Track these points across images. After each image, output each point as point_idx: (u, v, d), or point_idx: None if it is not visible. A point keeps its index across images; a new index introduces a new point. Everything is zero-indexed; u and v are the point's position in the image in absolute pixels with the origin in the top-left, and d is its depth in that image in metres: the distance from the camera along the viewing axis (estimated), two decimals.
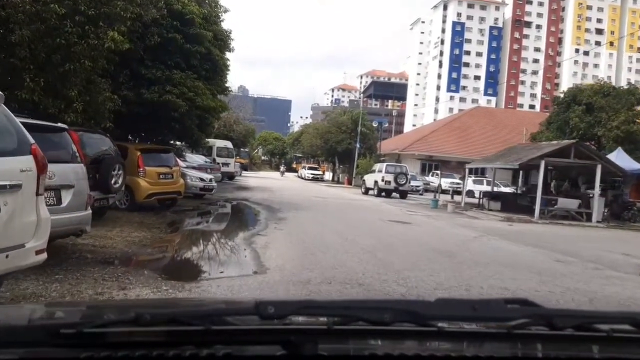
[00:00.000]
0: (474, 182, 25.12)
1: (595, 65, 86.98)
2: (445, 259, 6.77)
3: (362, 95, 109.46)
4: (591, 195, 15.84)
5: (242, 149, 38.76)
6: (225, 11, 13.23)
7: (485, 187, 21.98)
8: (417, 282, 5.12)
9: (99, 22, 7.45)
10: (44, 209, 3.20)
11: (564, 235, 11.57)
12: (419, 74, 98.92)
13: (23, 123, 3.92)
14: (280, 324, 0.79)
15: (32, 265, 3.21)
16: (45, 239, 3.19)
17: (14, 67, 6.95)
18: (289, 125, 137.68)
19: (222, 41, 12.82)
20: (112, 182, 7.04)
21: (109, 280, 4.30)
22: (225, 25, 13.35)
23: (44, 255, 3.21)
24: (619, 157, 16.60)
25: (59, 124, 5.07)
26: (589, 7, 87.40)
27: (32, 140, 3.16)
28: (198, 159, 17.60)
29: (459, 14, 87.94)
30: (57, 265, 4.58)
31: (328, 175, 41.24)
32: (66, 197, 4.58)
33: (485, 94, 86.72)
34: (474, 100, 79.49)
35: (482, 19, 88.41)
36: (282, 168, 49.05)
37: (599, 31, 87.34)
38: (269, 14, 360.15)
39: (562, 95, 27.14)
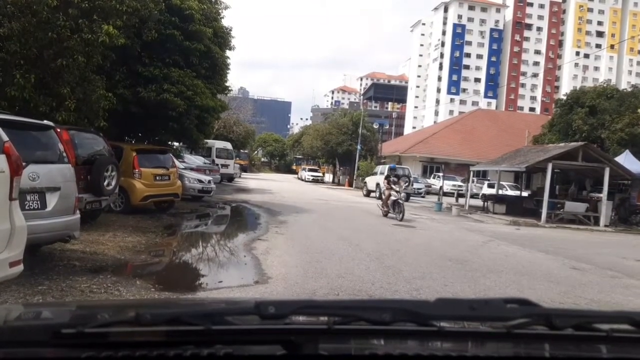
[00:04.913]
0: (488, 185, 24.65)
1: (596, 68, 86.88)
2: (457, 266, 6.42)
3: (362, 97, 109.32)
4: (596, 198, 15.53)
5: (241, 151, 38.41)
6: (226, 8, 12.88)
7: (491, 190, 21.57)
8: (431, 292, 4.78)
9: (93, 16, 7.11)
10: (19, 215, 2.83)
11: (574, 240, 11.23)
12: (419, 76, 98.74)
13: (2, 119, 3.57)
14: (280, 323, 0.78)
15: (5, 279, 2.84)
16: (21, 249, 2.83)
17: (3, 62, 6.61)
18: (288, 127, 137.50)
19: (222, 39, 12.46)
20: (105, 183, 6.68)
21: (97, 291, 3.94)
22: (225, 22, 13.03)
23: (20, 268, 2.85)
24: (627, 160, 16.28)
25: (45, 122, 4.71)
26: (590, 10, 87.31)
27: (5, 138, 2.80)
28: (197, 160, 17.27)
29: (459, 16, 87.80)
30: (41, 274, 4.22)
31: (328, 177, 40.92)
32: (51, 201, 4.22)
33: (486, 96, 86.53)
34: (474, 103, 79.32)
35: (482, 21, 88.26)
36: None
37: (600, 34, 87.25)
38: (269, 17, 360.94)
39: (564, 98, 26.94)
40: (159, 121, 11.48)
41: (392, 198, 12.27)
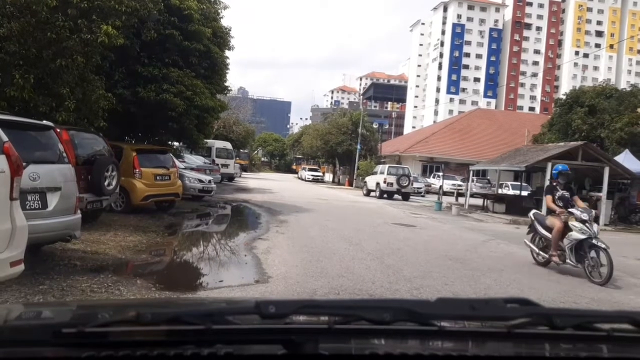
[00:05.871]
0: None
1: (595, 68, 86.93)
2: (457, 265, 6.43)
3: (361, 97, 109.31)
4: (596, 197, 15.53)
5: (241, 150, 38.43)
6: (225, 8, 12.88)
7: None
8: (432, 292, 4.78)
9: (92, 16, 7.11)
10: (20, 215, 2.83)
11: None
12: (418, 75, 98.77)
13: (2, 120, 3.57)
14: (281, 323, 0.79)
15: (7, 279, 2.84)
16: (22, 248, 2.83)
17: (2, 62, 6.61)
18: (288, 126, 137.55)
19: (221, 39, 12.46)
20: (105, 183, 6.68)
21: (98, 291, 3.94)
22: (224, 22, 13.04)
23: (21, 267, 2.85)
24: (627, 159, 16.29)
25: (45, 122, 4.71)
26: (589, 10, 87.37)
27: (5, 138, 2.80)
28: (197, 160, 17.26)
29: (459, 16, 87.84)
30: (42, 274, 4.23)
31: (328, 177, 40.95)
32: (52, 201, 4.22)
33: (485, 96, 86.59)
34: (474, 102, 79.34)
35: (482, 21, 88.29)
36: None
37: (599, 33, 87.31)
38: (269, 17, 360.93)
39: (564, 97, 26.97)
40: (159, 121, 11.48)
41: (577, 236, 5.94)
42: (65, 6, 6.78)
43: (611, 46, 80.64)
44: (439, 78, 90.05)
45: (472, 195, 18.70)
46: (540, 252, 6.79)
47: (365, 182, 24.11)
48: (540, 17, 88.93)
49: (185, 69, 11.14)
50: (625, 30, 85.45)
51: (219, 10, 12.78)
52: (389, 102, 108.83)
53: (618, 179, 16.36)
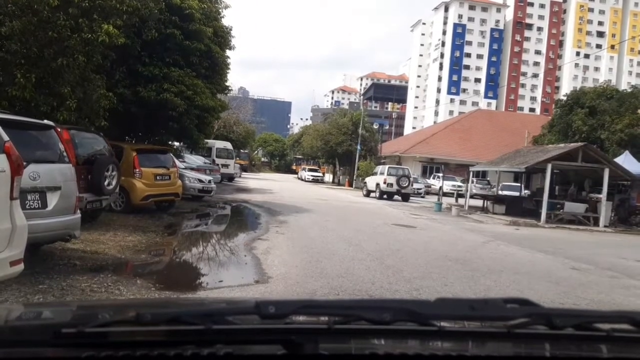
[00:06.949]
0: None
1: (596, 69, 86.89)
2: (457, 266, 6.43)
3: (362, 97, 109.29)
4: (596, 198, 15.54)
5: (241, 150, 38.44)
6: (226, 7, 12.89)
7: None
8: (431, 292, 4.78)
9: (94, 15, 7.12)
10: (20, 214, 2.84)
11: (574, 241, 11.24)
12: (419, 76, 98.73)
13: (2, 119, 3.58)
14: (280, 323, 0.78)
15: (6, 278, 2.85)
16: (22, 248, 2.83)
17: (4, 61, 6.62)
18: (288, 126, 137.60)
19: (222, 38, 12.46)
20: (106, 183, 6.68)
21: (98, 291, 3.95)
22: (225, 22, 13.04)
23: (21, 267, 2.85)
24: (627, 161, 16.29)
25: (46, 121, 4.71)
26: (591, 10, 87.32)
27: (5, 138, 2.80)
28: (197, 160, 17.27)
29: (460, 16, 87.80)
30: (42, 273, 4.23)
31: (328, 177, 40.95)
32: (52, 200, 4.23)
33: (486, 96, 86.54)
34: (474, 103, 79.32)
35: (483, 21, 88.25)
36: None
37: (600, 34, 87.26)
38: (269, 17, 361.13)
39: (564, 98, 26.96)
40: (159, 121, 11.48)
41: None
42: (67, 5, 6.78)
43: (612, 47, 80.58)
44: (439, 78, 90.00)
45: (472, 196, 18.71)
46: None
47: (365, 182, 24.12)
48: (541, 17, 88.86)
49: (186, 68, 11.14)
50: (626, 31, 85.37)
51: (220, 10, 12.78)
52: (390, 103, 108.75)
53: (618, 181, 16.36)
